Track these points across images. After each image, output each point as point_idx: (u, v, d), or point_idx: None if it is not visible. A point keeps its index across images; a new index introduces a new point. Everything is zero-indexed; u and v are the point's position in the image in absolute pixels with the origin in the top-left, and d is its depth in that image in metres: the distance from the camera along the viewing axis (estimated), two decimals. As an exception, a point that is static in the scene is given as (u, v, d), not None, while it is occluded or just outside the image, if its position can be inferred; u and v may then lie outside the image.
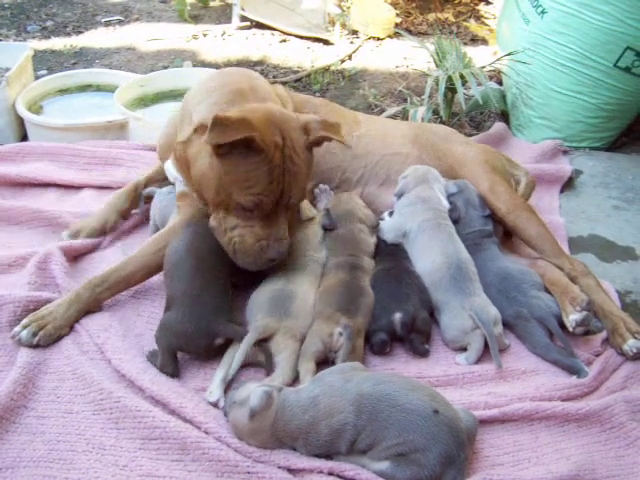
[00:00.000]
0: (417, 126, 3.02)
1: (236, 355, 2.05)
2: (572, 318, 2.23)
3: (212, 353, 2.12)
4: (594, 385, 2.14)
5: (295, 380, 2.06)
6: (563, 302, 2.31)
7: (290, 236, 2.29)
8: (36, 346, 2.10)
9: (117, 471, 1.76)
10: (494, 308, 2.29)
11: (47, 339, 2.12)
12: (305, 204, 2.56)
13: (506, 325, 2.33)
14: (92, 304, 2.25)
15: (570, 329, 2.22)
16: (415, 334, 2.24)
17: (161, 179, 2.82)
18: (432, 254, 2.42)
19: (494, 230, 2.62)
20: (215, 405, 1.97)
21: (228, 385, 2.03)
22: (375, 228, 2.59)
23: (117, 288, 2.30)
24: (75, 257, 2.59)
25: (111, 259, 2.52)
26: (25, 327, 2.11)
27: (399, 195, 2.66)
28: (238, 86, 2.34)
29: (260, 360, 2.11)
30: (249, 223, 2.18)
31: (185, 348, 2.11)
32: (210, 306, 2.11)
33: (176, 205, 2.54)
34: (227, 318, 2.13)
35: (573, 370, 2.18)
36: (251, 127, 2.06)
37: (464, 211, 2.61)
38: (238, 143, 2.06)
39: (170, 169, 2.58)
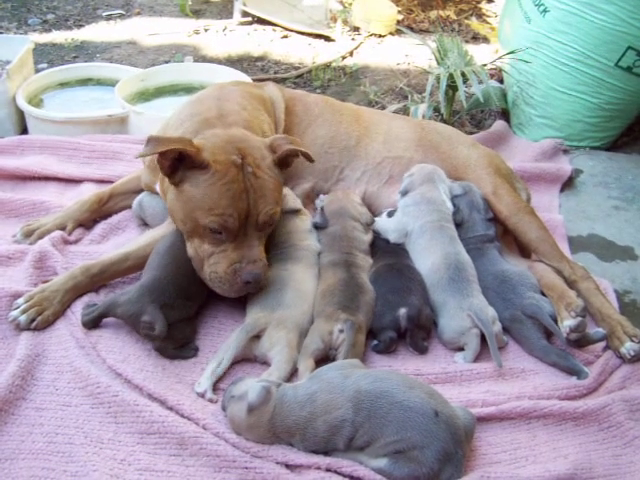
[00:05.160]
0: (421, 127, 2.97)
1: (226, 353, 2.06)
2: (566, 324, 2.22)
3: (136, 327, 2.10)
4: (593, 386, 2.14)
5: (293, 374, 2.06)
6: (559, 307, 2.30)
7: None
8: (30, 329, 2.14)
9: (115, 465, 1.76)
10: (491, 308, 2.29)
11: (44, 324, 2.16)
12: (289, 196, 2.55)
13: (503, 329, 2.32)
14: (87, 289, 2.31)
15: (564, 335, 2.22)
16: (418, 329, 2.24)
17: (124, 191, 2.83)
18: (432, 256, 2.42)
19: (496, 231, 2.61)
20: (202, 396, 1.98)
21: (220, 379, 2.04)
22: (370, 226, 2.59)
23: (113, 278, 2.38)
24: (70, 243, 2.60)
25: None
26: (24, 312, 2.14)
27: (403, 193, 2.65)
28: (206, 115, 2.43)
29: (255, 355, 2.12)
30: (222, 248, 2.17)
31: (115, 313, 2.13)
32: (152, 289, 2.12)
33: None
34: (158, 304, 2.09)
35: (573, 372, 2.18)
36: (184, 143, 2.11)
37: (467, 214, 2.60)
38: (188, 167, 2.13)
39: (158, 190, 2.58)
